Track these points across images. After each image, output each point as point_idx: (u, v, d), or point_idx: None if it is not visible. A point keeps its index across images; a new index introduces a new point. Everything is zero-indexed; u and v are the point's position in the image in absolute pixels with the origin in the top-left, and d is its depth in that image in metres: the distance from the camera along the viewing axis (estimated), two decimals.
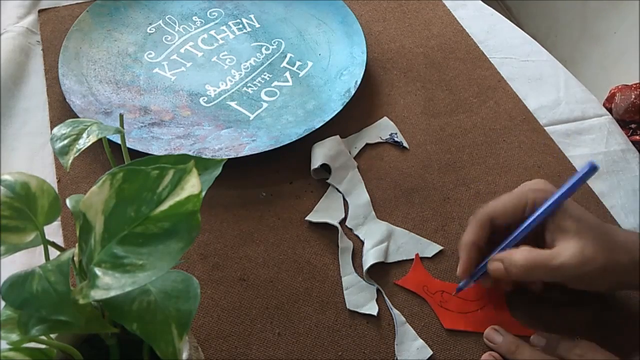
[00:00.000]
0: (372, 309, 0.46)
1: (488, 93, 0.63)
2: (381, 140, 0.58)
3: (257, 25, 0.69)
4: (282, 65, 0.64)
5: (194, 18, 0.69)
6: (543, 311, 0.46)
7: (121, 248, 0.26)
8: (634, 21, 1.20)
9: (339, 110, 0.57)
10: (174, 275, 0.29)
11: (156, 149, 0.54)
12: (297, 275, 0.48)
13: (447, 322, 0.46)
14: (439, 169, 0.56)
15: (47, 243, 0.30)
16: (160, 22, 0.68)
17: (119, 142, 0.36)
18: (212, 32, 0.68)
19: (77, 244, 0.28)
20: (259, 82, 0.62)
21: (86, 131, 0.34)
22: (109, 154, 0.36)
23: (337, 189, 0.54)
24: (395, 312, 0.46)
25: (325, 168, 0.54)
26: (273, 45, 0.66)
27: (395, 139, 0.58)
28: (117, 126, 0.35)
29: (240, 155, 0.53)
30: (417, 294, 0.47)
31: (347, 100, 0.58)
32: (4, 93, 0.61)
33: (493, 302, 0.47)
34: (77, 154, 0.33)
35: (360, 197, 0.53)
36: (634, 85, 0.76)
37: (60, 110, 0.59)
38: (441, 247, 0.50)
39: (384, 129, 0.59)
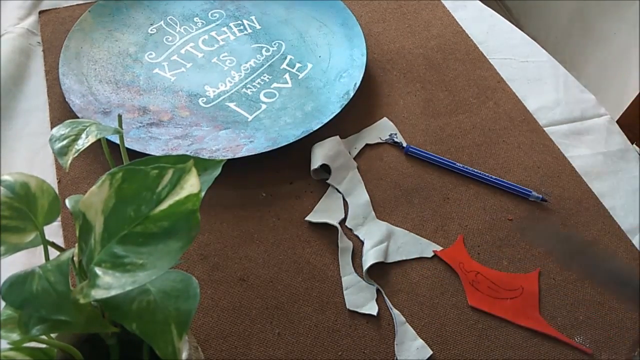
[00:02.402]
0: (372, 309, 0.46)
1: (487, 94, 0.63)
2: (381, 141, 0.58)
3: (258, 27, 0.69)
4: (282, 67, 0.64)
5: (195, 19, 0.69)
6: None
7: (121, 247, 0.26)
8: (634, 21, 1.20)
9: (337, 112, 0.57)
10: (173, 275, 0.29)
11: (153, 149, 0.54)
12: (297, 275, 0.48)
13: (473, 300, 0.46)
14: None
15: (47, 243, 0.30)
16: (162, 22, 0.68)
17: (118, 142, 0.36)
18: (213, 34, 0.68)
19: (77, 244, 0.28)
20: (259, 83, 0.62)
21: (85, 132, 0.34)
22: (107, 154, 0.36)
23: (337, 189, 0.54)
24: (395, 312, 0.46)
25: (325, 168, 0.54)
26: (273, 47, 0.66)
27: (395, 139, 0.58)
28: (116, 126, 0.35)
29: (237, 156, 0.53)
30: (452, 267, 0.48)
31: (345, 103, 0.58)
32: (4, 94, 0.61)
33: (525, 297, 0.47)
34: (76, 154, 0.33)
35: (360, 198, 0.53)
36: None
37: (61, 111, 0.59)
38: (441, 248, 0.50)
39: (383, 129, 0.59)
